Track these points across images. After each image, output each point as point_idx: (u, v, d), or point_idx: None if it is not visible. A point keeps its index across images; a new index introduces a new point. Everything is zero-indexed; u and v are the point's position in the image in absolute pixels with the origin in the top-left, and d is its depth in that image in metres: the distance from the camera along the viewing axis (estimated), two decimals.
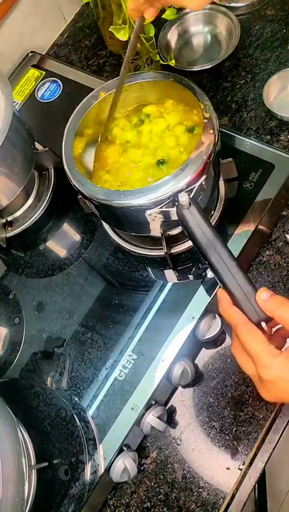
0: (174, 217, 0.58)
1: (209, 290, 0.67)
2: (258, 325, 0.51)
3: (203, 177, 0.58)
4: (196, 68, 0.89)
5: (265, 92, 0.82)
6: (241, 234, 0.70)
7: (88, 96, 0.68)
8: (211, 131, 0.60)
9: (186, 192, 0.56)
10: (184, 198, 0.55)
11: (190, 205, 0.55)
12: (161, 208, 0.58)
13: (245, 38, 0.91)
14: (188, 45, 0.95)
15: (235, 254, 0.69)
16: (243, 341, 0.49)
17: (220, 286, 0.53)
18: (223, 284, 0.52)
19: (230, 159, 0.70)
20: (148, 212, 0.58)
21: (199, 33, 0.95)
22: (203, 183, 0.59)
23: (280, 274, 0.72)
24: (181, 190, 0.57)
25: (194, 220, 0.55)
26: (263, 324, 0.51)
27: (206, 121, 0.60)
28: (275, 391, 0.47)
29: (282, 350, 0.48)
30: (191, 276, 0.70)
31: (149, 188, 0.58)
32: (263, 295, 0.50)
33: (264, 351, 0.47)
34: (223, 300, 0.52)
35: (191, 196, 0.56)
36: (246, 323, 0.50)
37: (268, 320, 0.51)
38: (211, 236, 0.54)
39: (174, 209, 0.57)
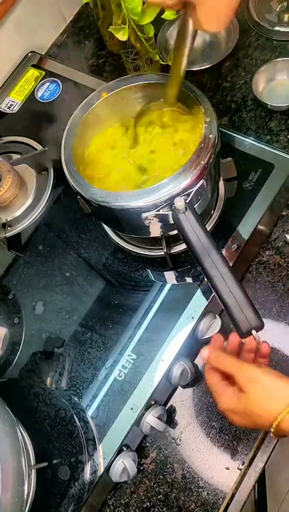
0: (172, 220, 0.58)
1: (208, 290, 0.67)
2: (248, 333, 0.51)
3: (201, 182, 0.58)
4: (195, 68, 0.89)
5: (254, 82, 0.84)
6: (241, 234, 0.70)
7: (90, 96, 0.68)
8: (211, 135, 0.59)
9: (183, 196, 0.56)
10: (179, 203, 0.54)
11: (186, 209, 0.55)
12: (158, 211, 0.58)
13: (244, 38, 0.91)
14: None
15: (235, 254, 0.69)
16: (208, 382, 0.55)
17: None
18: (216, 290, 0.52)
19: (230, 158, 0.70)
20: (144, 215, 0.58)
21: (198, 32, 0.94)
22: (203, 186, 0.58)
23: (280, 274, 0.72)
24: (178, 194, 0.56)
25: (190, 225, 0.54)
26: (254, 332, 0.51)
27: (206, 125, 0.60)
28: (230, 419, 0.53)
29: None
30: (190, 278, 0.70)
31: (147, 190, 0.57)
32: (204, 353, 0.55)
33: (216, 390, 0.53)
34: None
35: (187, 201, 0.56)
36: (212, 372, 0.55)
37: (259, 328, 0.51)
38: (206, 242, 0.53)
39: (171, 213, 0.57)
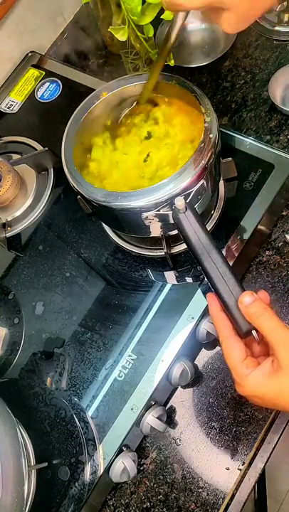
0: (172, 220, 0.58)
1: (209, 291, 0.67)
2: (248, 333, 0.51)
3: (201, 182, 0.58)
4: (194, 65, 0.89)
5: (270, 87, 0.82)
6: (241, 234, 0.70)
7: (90, 96, 0.68)
8: (211, 135, 0.59)
9: (183, 196, 0.56)
10: (180, 203, 0.55)
11: (186, 209, 0.55)
12: (158, 211, 0.58)
13: (244, 38, 0.91)
14: (186, 42, 0.94)
15: (235, 254, 0.69)
16: (224, 353, 0.51)
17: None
18: (216, 290, 0.52)
19: (230, 158, 0.70)
20: (144, 214, 0.58)
21: (197, 29, 0.94)
22: (203, 185, 0.58)
23: (280, 274, 0.72)
24: (178, 194, 0.56)
25: (190, 224, 0.55)
26: (254, 332, 0.51)
27: (206, 125, 0.60)
28: (251, 401, 0.49)
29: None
30: (190, 278, 0.70)
31: (147, 190, 0.57)
32: (246, 299, 0.49)
33: (238, 368, 0.49)
34: (212, 305, 0.53)
35: (188, 200, 0.56)
36: (230, 337, 0.50)
37: None
38: (206, 242, 0.54)
39: (171, 213, 0.57)
